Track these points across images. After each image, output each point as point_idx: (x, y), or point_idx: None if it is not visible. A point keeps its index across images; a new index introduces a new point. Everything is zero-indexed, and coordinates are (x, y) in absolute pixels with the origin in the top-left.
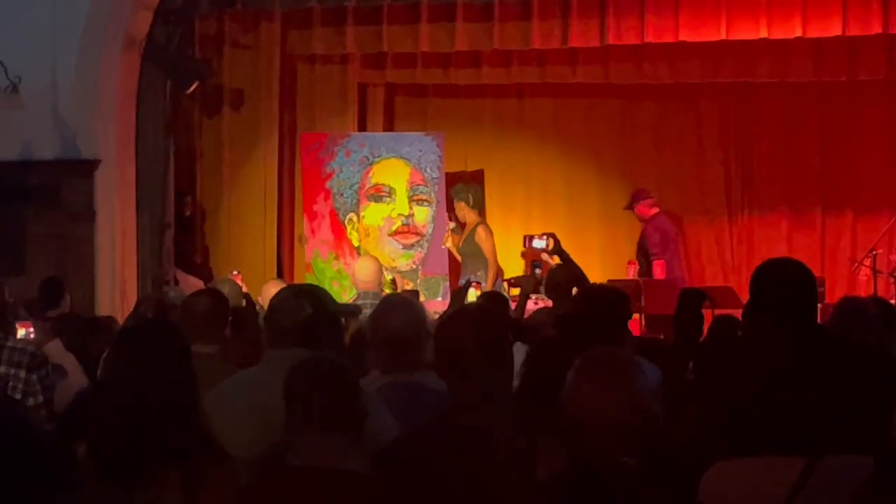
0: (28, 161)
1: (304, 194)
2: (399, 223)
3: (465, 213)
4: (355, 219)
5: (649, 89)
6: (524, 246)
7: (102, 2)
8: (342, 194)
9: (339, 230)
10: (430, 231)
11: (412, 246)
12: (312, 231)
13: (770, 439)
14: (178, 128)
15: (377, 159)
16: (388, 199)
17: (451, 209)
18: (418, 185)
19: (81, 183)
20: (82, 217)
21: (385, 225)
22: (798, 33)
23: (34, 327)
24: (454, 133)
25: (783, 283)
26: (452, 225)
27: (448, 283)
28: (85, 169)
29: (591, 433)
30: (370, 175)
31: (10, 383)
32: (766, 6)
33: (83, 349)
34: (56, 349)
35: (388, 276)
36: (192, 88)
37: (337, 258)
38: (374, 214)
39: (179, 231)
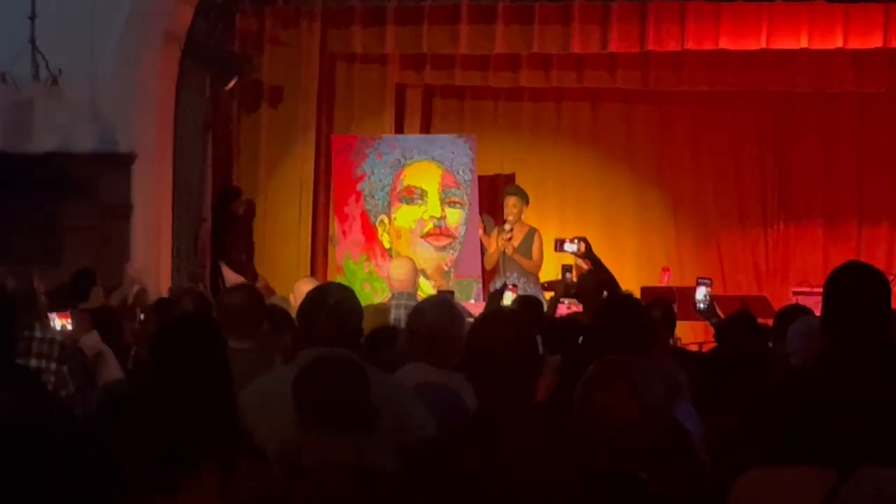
0: (66, 153)
1: (334, 196)
2: (431, 225)
3: (519, 210)
4: (387, 221)
5: (688, 96)
6: (555, 250)
7: None
8: (373, 196)
9: (370, 232)
10: (462, 233)
11: (444, 248)
12: (343, 233)
13: (803, 449)
14: (217, 124)
15: (409, 161)
16: (419, 202)
17: (492, 209)
18: (450, 187)
19: (118, 176)
20: (118, 210)
21: (417, 227)
22: (839, 44)
23: (71, 317)
24: (491, 136)
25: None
26: (509, 227)
27: (481, 285)
28: (122, 162)
29: (603, 444)
30: (402, 177)
31: (43, 377)
32: (808, 16)
33: (118, 342)
34: (92, 341)
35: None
36: (231, 84)
37: (368, 260)
38: (405, 216)
39: (230, 228)
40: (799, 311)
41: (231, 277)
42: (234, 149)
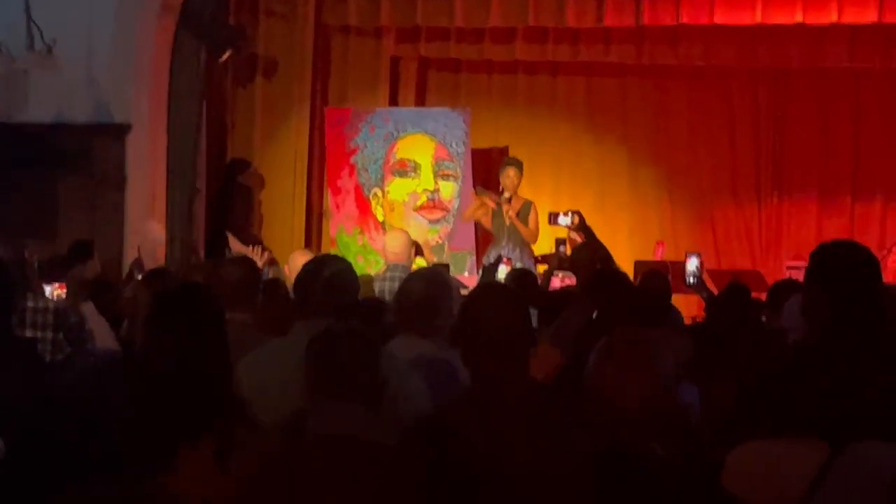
0: (61, 124)
1: (328, 169)
2: (424, 198)
3: (518, 181)
4: (380, 194)
5: (683, 71)
6: (549, 223)
7: None
8: (367, 169)
9: (363, 205)
10: (455, 206)
11: (438, 221)
12: (337, 206)
13: (797, 423)
14: (211, 95)
15: (402, 135)
16: (413, 175)
17: (487, 181)
18: (444, 160)
19: (113, 147)
20: (113, 181)
21: (410, 200)
22: (833, 19)
23: (66, 288)
24: (485, 109)
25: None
26: (508, 195)
27: (475, 258)
28: (117, 133)
29: (615, 417)
30: (395, 150)
31: (39, 346)
32: None
33: (114, 313)
34: (87, 312)
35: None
36: (225, 56)
37: (362, 233)
38: (398, 190)
39: (238, 200)
40: (793, 285)
41: (237, 248)
42: (228, 121)
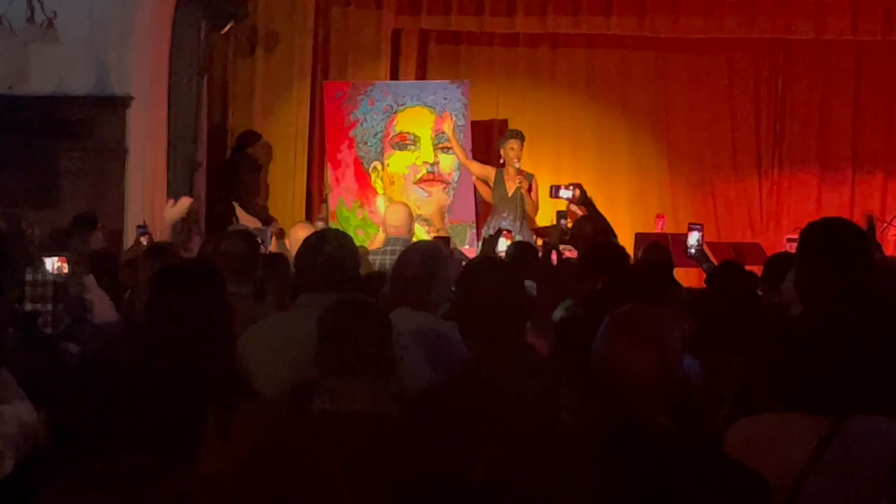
0: (62, 96)
1: (327, 143)
2: (424, 171)
3: (518, 153)
4: (380, 167)
5: (684, 43)
6: (550, 196)
7: None
8: (366, 143)
9: (363, 179)
10: (455, 178)
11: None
12: (337, 180)
13: (799, 396)
14: (212, 68)
15: (401, 108)
16: (412, 148)
17: (487, 154)
18: (443, 133)
19: (114, 119)
20: (114, 153)
21: (410, 173)
22: None
23: (67, 262)
24: (486, 82)
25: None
26: (517, 164)
27: (475, 230)
28: (118, 105)
29: (623, 392)
30: (394, 123)
31: (40, 319)
32: None
33: (115, 285)
34: (88, 284)
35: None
36: (226, 29)
37: (361, 206)
38: (398, 162)
39: (246, 171)
40: (789, 258)
41: (245, 219)
42: (229, 94)
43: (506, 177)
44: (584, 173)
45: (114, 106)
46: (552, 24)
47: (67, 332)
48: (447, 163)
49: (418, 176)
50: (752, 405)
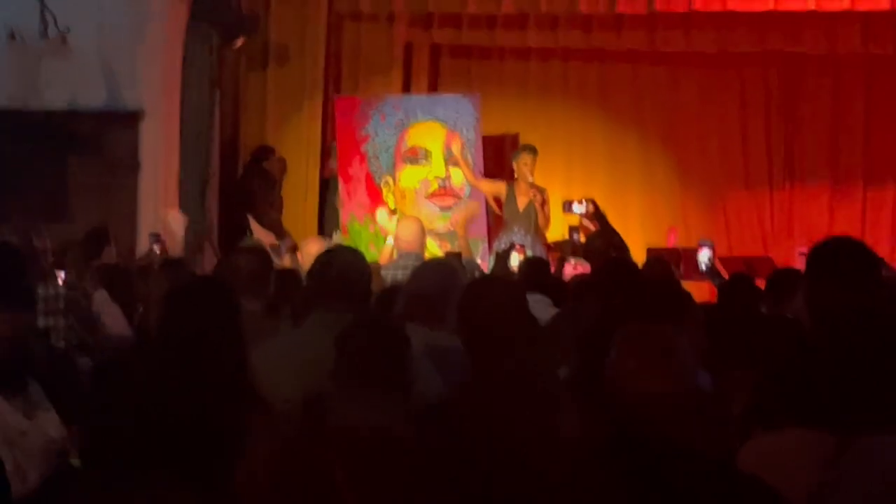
0: (74, 111)
1: (339, 158)
2: (436, 185)
3: (530, 168)
4: (391, 182)
5: (695, 58)
6: (563, 211)
7: None
8: (377, 157)
9: (375, 193)
10: (467, 192)
11: (450, 208)
12: (348, 194)
13: (811, 413)
14: (224, 82)
15: (412, 122)
16: (424, 162)
17: (498, 168)
18: (451, 151)
19: (126, 134)
20: (126, 168)
21: (421, 187)
22: (846, 6)
23: (80, 276)
24: (497, 96)
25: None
26: (531, 178)
27: (487, 245)
28: (130, 120)
29: (636, 410)
30: (406, 138)
31: (52, 334)
32: None
33: (128, 299)
34: (101, 299)
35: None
36: (238, 43)
37: (374, 221)
38: (410, 177)
39: (261, 185)
40: (792, 274)
41: (259, 233)
42: (241, 108)
43: (517, 191)
44: (596, 187)
45: (126, 120)
46: (564, 38)
47: (79, 345)
48: (459, 177)
49: (430, 190)
50: (764, 421)
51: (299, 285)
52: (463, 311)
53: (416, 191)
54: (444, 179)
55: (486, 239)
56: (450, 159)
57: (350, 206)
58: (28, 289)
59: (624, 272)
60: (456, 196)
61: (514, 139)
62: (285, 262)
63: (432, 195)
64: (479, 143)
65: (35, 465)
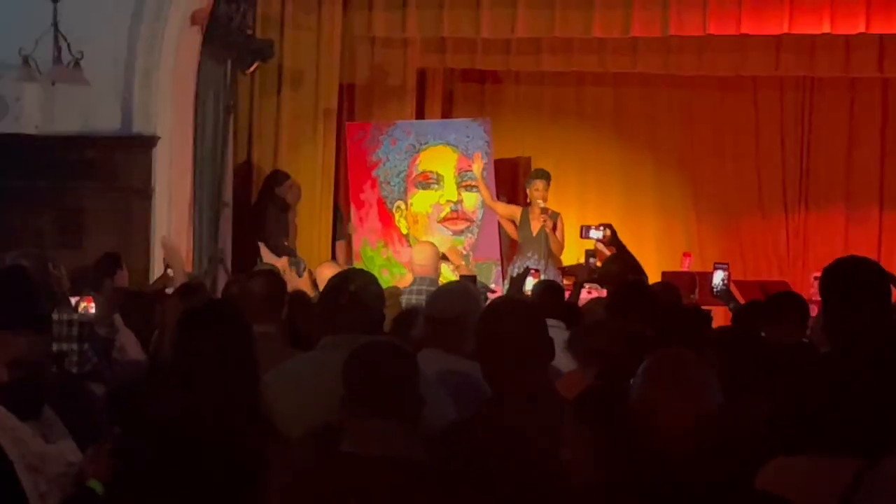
0: (88, 136)
1: (350, 183)
2: (448, 209)
3: (544, 193)
4: (403, 206)
5: (709, 81)
6: (580, 236)
7: None
8: (389, 182)
9: (387, 218)
10: (479, 216)
11: (462, 232)
12: (360, 220)
13: (829, 438)
14: (237, 107)
15: (424, 147)
16: (435, 187)
17: (512, 192)
18: (466, 171)
19: (140, 159)
20: (140, 193)
21: (434, 212)
22: (861, 28)
23: (94, 302)
24: (511, 120)
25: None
26: (542, 204)
27: (500, 269)
28: (144, 145)
29: (663, 438)
30: (417, 163)
31: (67, 359)
32: (830, 0)
33: (143, 324)
34: (115, 323)
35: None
36: (252, 68)
37: (386, 246)
38: (422, 202)
39: (273, 211)
40: (788, 297)
41: (270, 259)
42: (254, 133)
43: (531, 216)
44: (610, 211)
45: (140, 145)
46: (577, 62)
47: (94, 371)
48: (471, 201)
49: (442, 215)
50: (781, 445)
51: (312, 309)
52: (482, 333)
53: (429, 215)
54: (456, 203)
55: (500, 262)
56: (462, 184)
57: (362, 231)
58: (43, 312)
59: (638, 295)
60: (468, 220)
61: (528, 163)
62: (304, 279)
63: (445, 219)
64: (492, 168)
65: (56, 491)
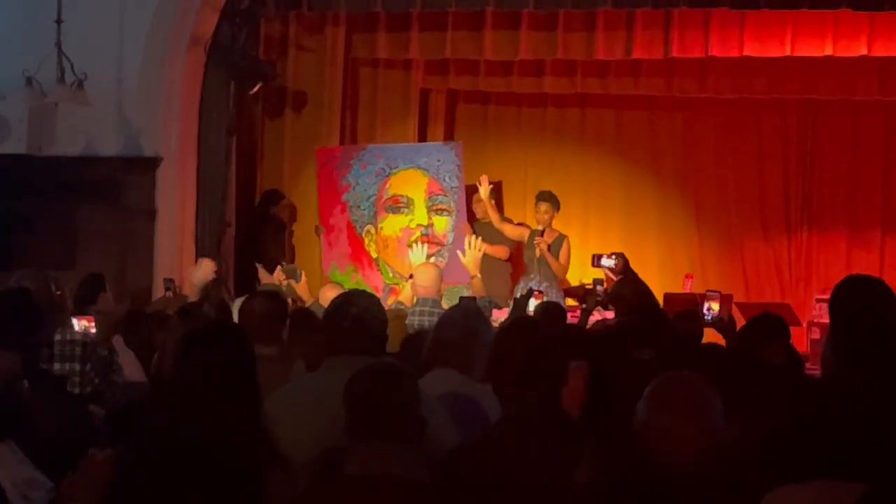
0: (91, 157)
1: (320, 208)
2: (418, 233)
3: (551, 216)
4: (373, 231)
5: (712, 103)
6: (592, 265)
7: (169, 1)
8: (359, 206)
9: (356, 243)
10: (450, 240)
11: (433, 255)
12: (329, 244)
13: (831, 463)
14: (241, 128)
15: (394, 171)
16: (406, 210)
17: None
18: (437, 194)
19: (143, 180)
20: (143, 214)
21: (404, 236)
22: (863, 52)
23: (95, 322)
24: (514, 141)
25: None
26: (541, 227)
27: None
28: (147, 166)
29: (668, 462)
30: (387, 187)
31: (69, 380)
32: (832, 23)
33: (144, 345)
34: (116, 345)
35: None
36: (255, 89)
37: (356, 270)
38: (392, 225)
39: (269, 232)
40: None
41: (267, 280)
42: (257, 154)
43: (536, 238)
44: (613, 233)
45: (143, 166)
46: (580, 84)
47: (94, 392)
48: (441, 225)
49: (412, 238)
50: (783, 472)
51: (314, 329)
52: (496, 354)
53: (399, 239)
54: (426, 227)
55: (470, 286)
56: (433, 207)
57: (331, 255)
58: (29, 333)
59: (648, 317)
60: (439, 244)
61: (531, 185)
62: (302, 284)
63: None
64: (463, 191)
65: None
